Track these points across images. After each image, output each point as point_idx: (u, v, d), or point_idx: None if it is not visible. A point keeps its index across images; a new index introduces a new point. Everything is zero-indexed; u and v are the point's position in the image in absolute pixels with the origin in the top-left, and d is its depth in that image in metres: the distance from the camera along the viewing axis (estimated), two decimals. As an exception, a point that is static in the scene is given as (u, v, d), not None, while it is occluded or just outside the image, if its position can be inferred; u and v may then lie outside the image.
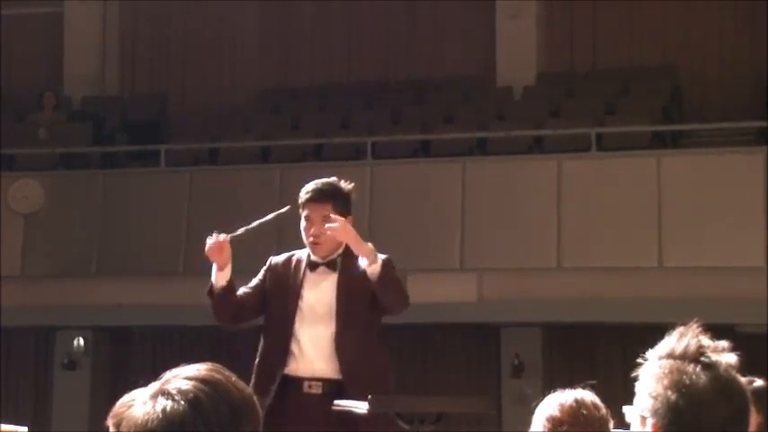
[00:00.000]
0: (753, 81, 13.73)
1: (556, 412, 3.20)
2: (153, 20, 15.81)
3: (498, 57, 14.47)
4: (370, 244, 5.24)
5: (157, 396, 1.93)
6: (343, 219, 5.25)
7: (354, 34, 15.25)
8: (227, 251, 5.27)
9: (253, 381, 5.31)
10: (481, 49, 14.70)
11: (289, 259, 5.48)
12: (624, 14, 14.37)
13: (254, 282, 5.48)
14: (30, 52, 15.75)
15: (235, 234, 5.32)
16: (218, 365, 2.01)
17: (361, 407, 5.02)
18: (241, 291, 5.42)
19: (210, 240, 5.26)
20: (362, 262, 5.21)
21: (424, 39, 15.02)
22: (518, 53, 14.33)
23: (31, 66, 15.72)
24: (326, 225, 5.24)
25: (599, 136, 12.31)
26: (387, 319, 5.46)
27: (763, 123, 12.18)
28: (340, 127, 13.91)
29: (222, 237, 5.26)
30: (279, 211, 5.50)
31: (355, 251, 5.22)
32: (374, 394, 5.02)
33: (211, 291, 5.33)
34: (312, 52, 15.33)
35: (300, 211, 5.39)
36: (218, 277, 5.30)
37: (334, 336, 5.29)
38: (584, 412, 3.20)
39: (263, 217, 5.46)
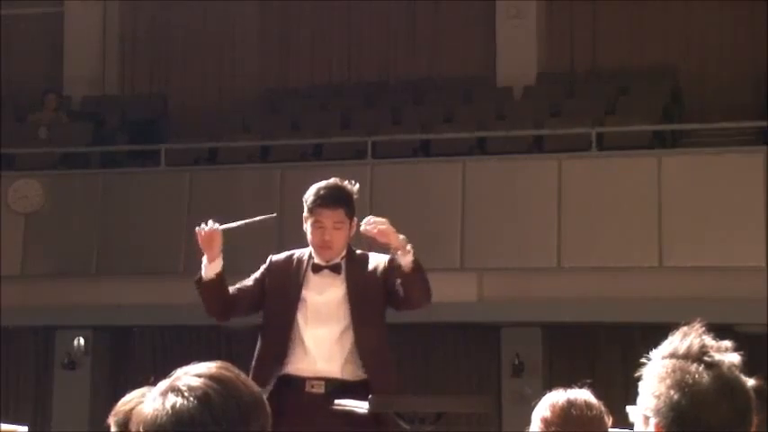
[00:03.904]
0: (753, 81, 13.73)
1: (547, 413, 3.23)
2: (153, 20, 15.81)
3: (498, 57, 14.47)
4: (402, 236, 5.22)
5: (167, 393, 1.93)
6: (384, 220, 5.23)
7: (354, 34, 15.25)
8: (218, 242, 5.22)
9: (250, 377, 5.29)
10: (481, 49, 14.70)
11: (289, 258, 5.45)
12: (624, 14, 14.37)
13: (253, 278, 5.43)
14: (30, 52, 15.74)
15: (227, 226, 5.26)
16: (227, 364, 2.01)
17: (361, 407, 5.02)
18: (238, 285, 5.40)
19: (202, 228, 5.22)
20: (395, 253, 5.18)
21: (424, 39, 15.02)
22: (518, 53, 14.34)
23: (31, 66, 15.71)
24: (369, 224, 5.19)
25: (599, 136, 12.31)
26: (388, 319, 5.47)
27: (763, 123, 12.18)
28: (340, 127, 13.91)
29: (214, 227, 5.21)
30: (268, 216, 5.45)
31: (392, 245, 5.19)
32: (378, 394, 5.03)
33: (199, 282, 5.29)
34: (312, 52, 15.33)
35: (308, 213, 5.34)
36: (207, 269, 5.25)
37: (352, 338, 5.28)
38: (575, 412, 3.21)
39: (255, 217, 5.42)
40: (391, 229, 5.20)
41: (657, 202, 11.44)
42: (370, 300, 5.30)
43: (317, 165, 12.41)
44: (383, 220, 5.22)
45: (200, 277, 5.28)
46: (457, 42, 14.81)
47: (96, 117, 14.70)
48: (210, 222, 5.24)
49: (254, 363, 5.37)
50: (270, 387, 5.22)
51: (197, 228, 5.23)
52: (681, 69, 14.07)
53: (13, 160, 13.51)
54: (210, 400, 1.91)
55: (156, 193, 12.74)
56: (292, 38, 15.36)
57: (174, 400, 1.91)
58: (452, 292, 11.71)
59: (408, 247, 5.18)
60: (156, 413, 1.91)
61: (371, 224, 5.19)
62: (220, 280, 5.27)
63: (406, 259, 5.17)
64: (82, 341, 12.91)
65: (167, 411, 1.90)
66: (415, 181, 12.16)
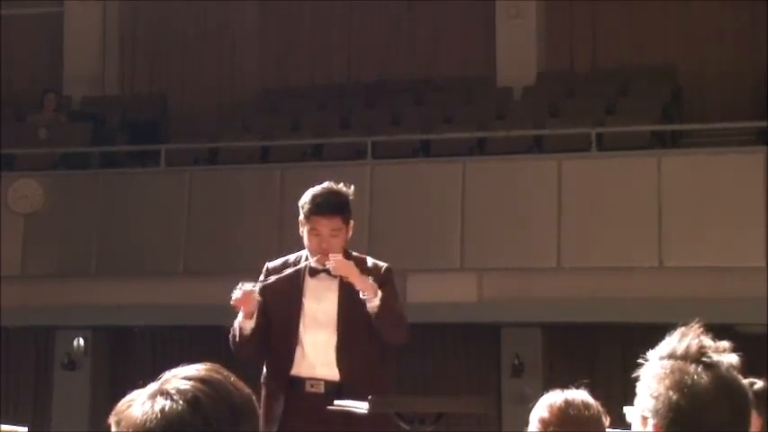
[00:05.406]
0: (753, 81, 13.73)
1: (545, 413, 3.23)
2: (153, 20, 15.80)
3: (498, 57, 14.47)
4: (370, 279, 5.22)
5: (156, 396, 1.92)
6: (341, 257, 5.22)
7: (354, 34, 15.24)
8: (255, 300, 5.23)
9: (264, 391, 5.30)
10: (481, 49, 14.70)
11: (285, 264, 5.45)
12: (624, 14, 14.37)
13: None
14: (30, 52, 15.75)
15: (263, 282, 5.30)
16: (217, 365, 2.00)
17: (361, 407, 5.01)
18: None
19: (238, 291, 5.21)
20: (362, 294, 5.20)
21: (424, 39, 15.01)
22: (518, 53, 14.33)
23: (31, 66, 15.72)
24: (327, 263, 5.22)
25: (599, 136, 12.30)
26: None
27: (763, 123, 12.17)
28: (340, 127, 13.91)
29: (250, 287, 5.22)
30: (295, 268, 5.41)
31: (357, 286, 5.20)
32: (374, 395, 5.02)
33: (236, 335, 5.32)
34: (312, 52, 15.33)
35: (304, 220, 5.33)
36: (246, 324, 5.28)
37: (335, 344, 5.29)
38: (572, 412, 3.22)
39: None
40: (354, 271, 5.19)
41: (657, 202, 11.44)
42: (360, 304, 5.28)
43: (317, 165, 12.41)
44: (349, 263, 5.21)
45: (239, 331, 5.30)
46: (457, 42, 14.80)
47: (96, 117, 14.69)
48: (244, 284, 5.23)
49: (266, 372, 5.37)
50: (284, 394, 5.24)
51: (233, 294, 5.21)
52: (681, 69, 14.06)
53: (13, 160, 13.51)
54: (200, 403, 1.90)
55: (156, 193, 12.73)
56: (292, 38, 15.36)
57: (163, 403, 1.90)
58: (452, 292, 11.72)
59: (377, 292, 5.16)
60: (145, 417, 1.90)
61: (336, 260, 5.19)
62: (258, 331, 5.30)
63: (371, 304, 5.17)
64: (82, 341, 12.91)
65: (157, 415, 1.89)
66: (415, 181, 12.16)
